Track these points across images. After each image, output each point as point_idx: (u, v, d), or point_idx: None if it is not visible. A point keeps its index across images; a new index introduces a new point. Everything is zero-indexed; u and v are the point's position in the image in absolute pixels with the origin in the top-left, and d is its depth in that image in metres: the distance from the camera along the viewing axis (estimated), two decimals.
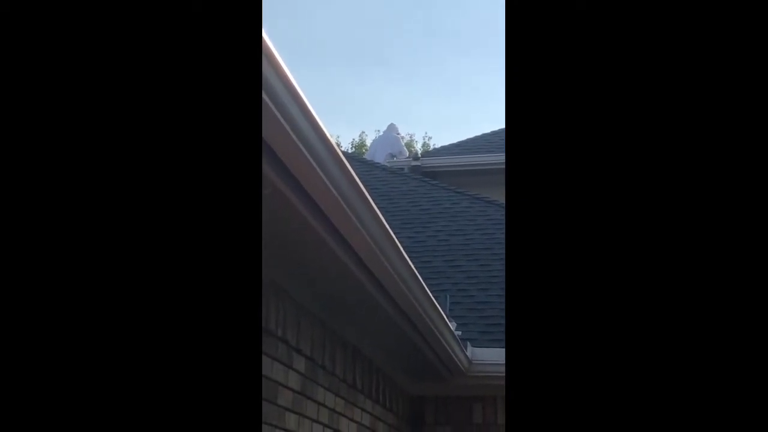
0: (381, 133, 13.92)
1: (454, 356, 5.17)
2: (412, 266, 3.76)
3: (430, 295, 4.18)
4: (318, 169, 2.57)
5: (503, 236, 7.44)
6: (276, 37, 2.03)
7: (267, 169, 2.45)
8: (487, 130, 11.66)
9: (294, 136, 2.35)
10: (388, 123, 13.09)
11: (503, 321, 6.21)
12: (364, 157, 13.05)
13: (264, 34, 2.01)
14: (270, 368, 3.27)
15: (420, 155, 11.69)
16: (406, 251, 3.71)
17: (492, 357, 5.70)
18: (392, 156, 11.70)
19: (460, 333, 5.62)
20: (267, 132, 2.30)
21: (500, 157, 9.88)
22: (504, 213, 7.84)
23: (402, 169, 10.26)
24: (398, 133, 13.01)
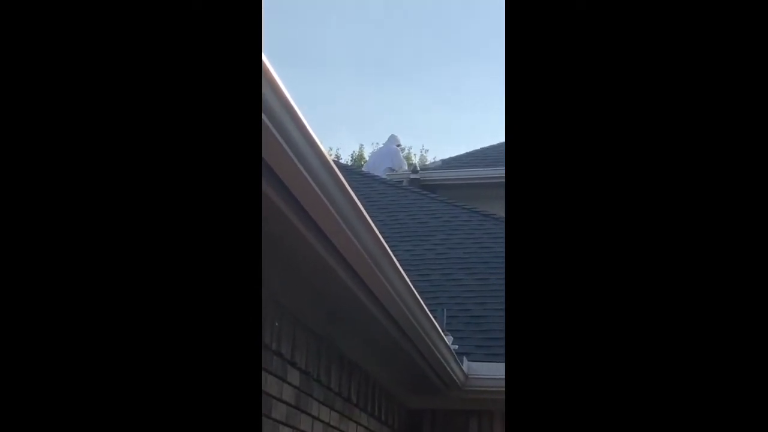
0: (380, 145, 13.93)
1: (450, 370, 5.16)
2: (408, 280, 3.75)
3: (426, 309, 4.17)
4: (312, 182, 2.56)
5: (501, 250, 7.44)
6: (274, 46, 2.03)
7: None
8: (486, 144, 11.69)
9: (287, 149, 2.35)
10: (387, 135, 13.07)
11: (500, 335, 6.20)
12: (363, 169, 13.05)
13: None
14: (264, 381, 3.25)
15: (418, 168, 11.69)
16: (404, 264, 3.70)
17: (488, 371, 5.68)
18: (391, 169, 11.70)
19: (456, 347, 5.60)
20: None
21: (499, 171, 9.90)
22: (503, 227, 7.86)
23: (401, 182, 10.26)
24: (399, 144, 13.01)
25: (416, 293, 3.92)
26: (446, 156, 12.21)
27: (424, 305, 4.10)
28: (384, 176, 10.78)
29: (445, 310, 6.22)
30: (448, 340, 5.07)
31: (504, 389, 5.58)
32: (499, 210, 8.40)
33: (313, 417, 3.86)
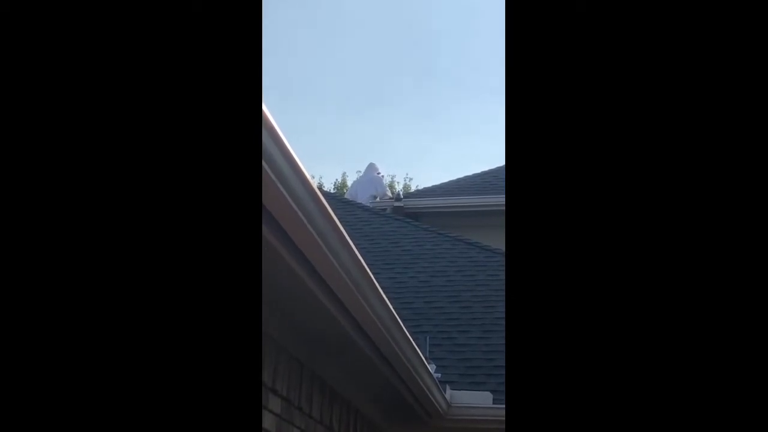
0: (361, 173, 13.92)
1: (432, 399, 5.13)
2: (391, 308, 3.74)
3: (409, 336, 4.16)
4: (296, 209, 2.56)
5: (484, 278, 7.44)
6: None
7: None
8: (470, 172, 11.71)
9: (273, 176, 2.35)
10: (369, 163, 13.06)
11: (483, 364, 6.18)
12: (345, 197, 13.04)
13: None
14: None
15: (402, 196, 11.70)
16: (387, 292, 3.69)
17: (471, 400, 5.66)
18: (374, 197, 11.70)
19: (439, 375, 5.58)
20: None
21: (482, 200, 9.93)
22: (486, 255, 7.87)
23: (384, 209, 10.26)
24: (378, 173, 13.00)
25: (400, 321, 3.91)
26: (430, 184, 12.25)
27: (407, 333, 4.08)
28: (367, 204, 10.78)
29: (428, 338, 6.21)
30: (431, 368, 5.05)
31: (486, 418, 5.53)
32: (482, 238, 8.42)
33: None
